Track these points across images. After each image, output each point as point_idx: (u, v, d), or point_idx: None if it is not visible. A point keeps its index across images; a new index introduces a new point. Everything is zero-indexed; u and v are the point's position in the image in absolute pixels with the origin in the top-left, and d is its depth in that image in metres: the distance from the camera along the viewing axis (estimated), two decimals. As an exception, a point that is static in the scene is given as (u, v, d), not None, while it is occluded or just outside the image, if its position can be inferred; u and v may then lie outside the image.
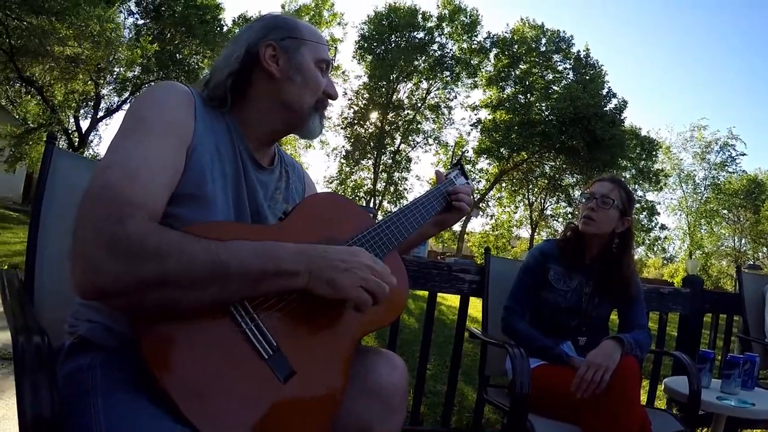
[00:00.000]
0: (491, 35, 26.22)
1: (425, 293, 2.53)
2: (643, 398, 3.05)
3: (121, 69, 18.90)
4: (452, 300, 9.78)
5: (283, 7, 25.52)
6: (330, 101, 1.29)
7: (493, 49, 26.18)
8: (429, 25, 26.16)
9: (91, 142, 21.41)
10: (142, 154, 0.96)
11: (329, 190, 24.36)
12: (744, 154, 30.02)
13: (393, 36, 25.96)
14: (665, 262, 32.08)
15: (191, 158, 1.05)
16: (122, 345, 0.99)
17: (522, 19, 26.04)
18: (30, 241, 1.36)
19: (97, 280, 0.84)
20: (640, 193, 25.75)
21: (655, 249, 28.96)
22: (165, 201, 0.98)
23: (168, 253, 0.86)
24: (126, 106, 20.42)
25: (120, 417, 0.87)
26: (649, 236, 27.26)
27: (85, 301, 0.92)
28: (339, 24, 27.26)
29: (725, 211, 29.06)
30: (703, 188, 29.82)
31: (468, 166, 24.49)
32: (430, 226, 1.50)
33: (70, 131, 20.15)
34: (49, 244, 1.38)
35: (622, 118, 23.90)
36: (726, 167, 29.05)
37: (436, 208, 1.45)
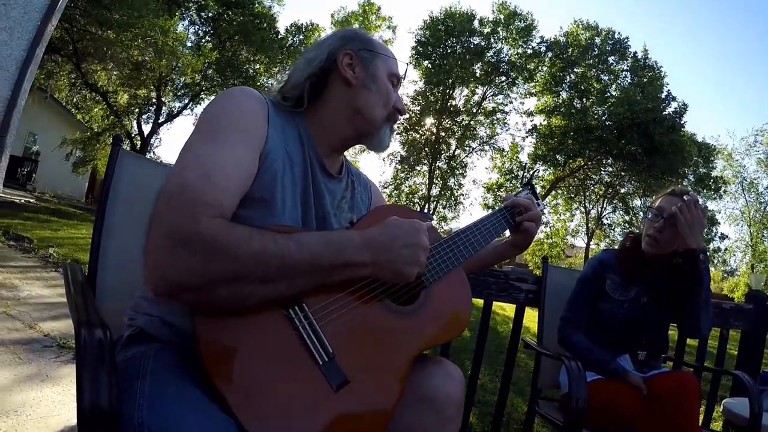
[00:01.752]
0: (545, 39, 25.71)
1: (479, 302, 2.48)
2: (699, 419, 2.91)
3: (184, 77, 19.57)
4: (504, 308, 9.65)
5: (332, 15, 25.84)
6: (399, 115, 1.32)
7: (548, 53, 25.64)
8: (486, 30, 25.81)
9: (152, 144, 22.29)
10: (217, 156, 0.98)
11: (386, 196, 24.39)
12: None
13: (449, 41, 25.73)
14: (725, 275, 30.42)
15: (264, 162, 1.07)
16: (178, 338, 1.01)
17: (575, 21, 25.49)
18: (94, 238, 1.42)
19: (170, 276, 0.85)
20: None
21: (715, 261, 27.57)
22: (237, 202, 1.00)
23: (240, 248, 0.88)
24: (186, 112, 21.26)
25: (162, 398, 0.88)
26: (708, 247, 25.95)
27: (155, 296, 0.94)
28: (389, 27, 27.47)
29: (791, 222, 27.27)
30: (767, 197, 28.19)
31: (522, 173, 23.99)
32: (507, 246, 1.54)
33: (132, 135, 21.01)
34: (112, 241, 1.42)
35: (681, 122, 22.91)
36: (793, 174, 27.24)
37: (498, 230, 1.44)
